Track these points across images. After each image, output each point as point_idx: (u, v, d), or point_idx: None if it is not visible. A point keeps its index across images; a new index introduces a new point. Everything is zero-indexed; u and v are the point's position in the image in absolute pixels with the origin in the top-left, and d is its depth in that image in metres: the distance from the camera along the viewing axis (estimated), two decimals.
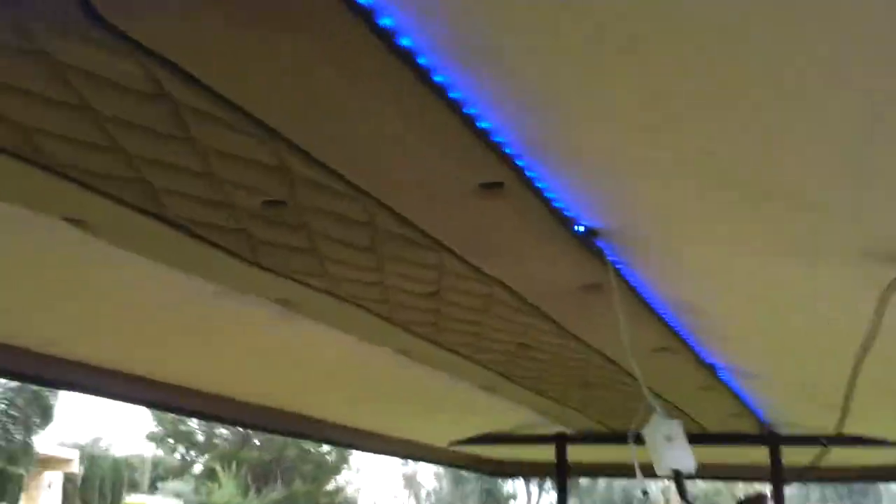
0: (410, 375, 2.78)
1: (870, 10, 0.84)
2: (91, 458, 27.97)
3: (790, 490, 4.05)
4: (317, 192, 1.34)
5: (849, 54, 0.92)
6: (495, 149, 1.21)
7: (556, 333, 2.19)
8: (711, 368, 2.61)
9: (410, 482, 37.58)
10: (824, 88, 1.00)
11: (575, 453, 4.32)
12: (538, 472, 5.25)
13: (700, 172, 1.29)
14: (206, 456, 32.26)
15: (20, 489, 22.46)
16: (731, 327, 2.18)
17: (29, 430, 22.88)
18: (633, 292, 1.86)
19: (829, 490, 31.79)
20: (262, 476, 30.24)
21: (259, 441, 31.36)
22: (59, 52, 0.99)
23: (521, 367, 2.63)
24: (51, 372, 2.50)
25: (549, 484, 30.56)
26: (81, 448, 27.78)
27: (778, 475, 3.81)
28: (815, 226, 1.41)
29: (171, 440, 32.77)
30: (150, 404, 3.03)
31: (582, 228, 1.55)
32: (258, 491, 29.51)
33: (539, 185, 1.35)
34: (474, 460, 5.03)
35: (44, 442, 24.07)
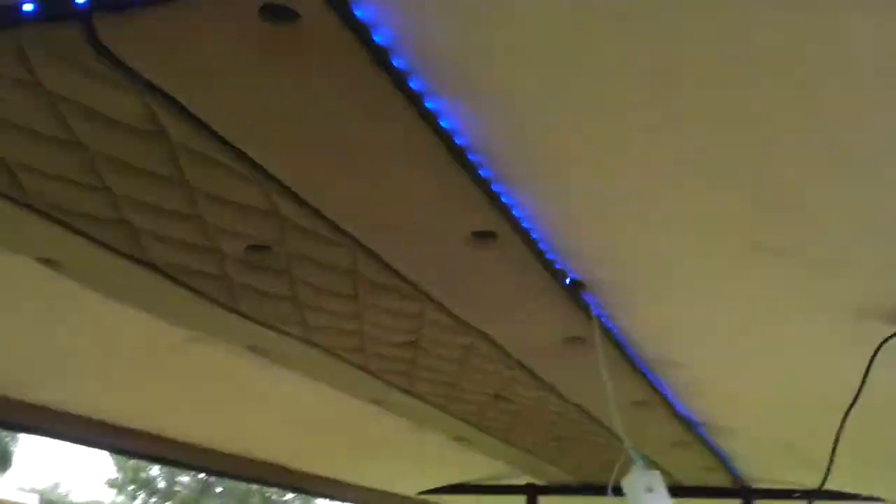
0: (382, 424, 2.74)
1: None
2: None
3: None
4: (304, 236, 1.32)
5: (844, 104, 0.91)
6: (492, 197, 1.19)
7: (533, 386, 2.16)
8: (688, 423, 2.59)
9: None
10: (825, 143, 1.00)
11: None
12: None
13: (695, 226, 1.28)
14: (168, 503, 31.78)
15: None
16: (712, 382, 2.16)
17: None
18: (615, 345, 1.84)
19: None
20: None
21: (221, 488, 30.96)
22: (56, 83, 0.96)
23: (494, 418, 2.59)
24: (14, 416, 2.43)
25: None
26: (40, 493, 27.33)
27: None
28: (808, 281, 1.40)
29: (131, 487, 32.25)
30: (115, 450, 2.96)
31: (569, 280, 1.53)
32: None
33: (532, 236, 1.33)
34: None
35: (2, 487, 23.66)
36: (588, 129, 1.06)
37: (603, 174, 1.17)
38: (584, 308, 1.62)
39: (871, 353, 1.52)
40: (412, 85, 0.98)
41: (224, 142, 1.05)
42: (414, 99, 1.00)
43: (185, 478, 31.35)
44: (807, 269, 1.37)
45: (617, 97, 0.98)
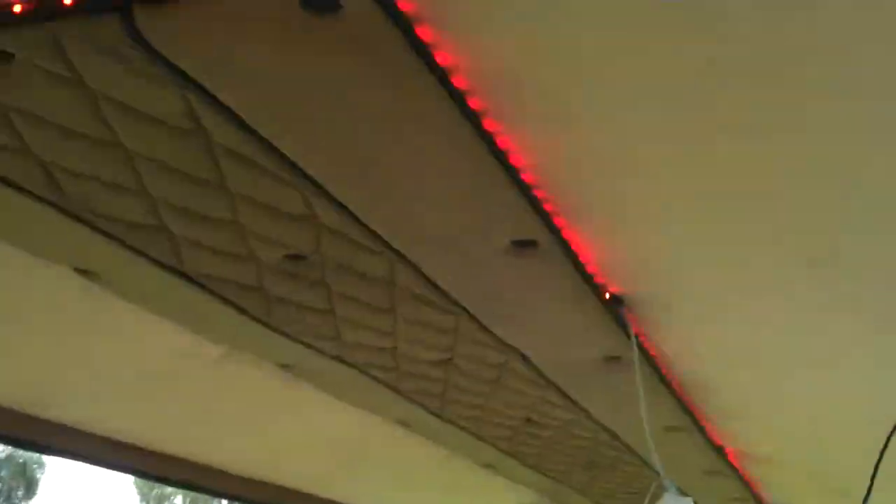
0: (408, 450, 2.71)
1: None
2: None
3: None
4: (341, 245, 1.30)
5: None
6: (534, 204, 1.17)
7: (566, 408, 2.13)
8: (720, 451, 2.54)
9: None
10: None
11: None
12: None
13: (744, 244, 1.25)
14: None
15: None
16: (749, 406, 2.12)
17: (12, 503, 22.54)
18: (652, 366, 1.81)
19: None
20: None
21: None
22: (95, 77, 0.94)
23: (524, 443, 2.56)
24: (39, 436, 2.41)
25: None
26: None
27: None
28: (861, 296, 1.37)
29: None
30: (137, 473, 2.93)
31: (608, 295, 1.50)
32: None
33: (573, 245, 1.31)
34: None
35: None
36: (633, 137, 1.05)
37: (649, 184, 1.15)
38: (623, 326, 1.59)
39: None
40: (455, 84, 0.97)
41: (263, 140, 1.04)
42: (457, 99, 0.98)
43: None
44: (860, 286, 1.34)
45: (664, 105, 0.97)
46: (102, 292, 1.50)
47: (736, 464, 2.73)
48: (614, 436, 2.37)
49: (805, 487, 3.06)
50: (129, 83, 0.95)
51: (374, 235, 1.26)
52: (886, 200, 1.12)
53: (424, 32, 0.90)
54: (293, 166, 1.08)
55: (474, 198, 1.17)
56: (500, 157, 1.07)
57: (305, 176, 1.11)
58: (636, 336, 1.62)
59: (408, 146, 1.06)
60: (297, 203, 1.18)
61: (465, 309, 1.53)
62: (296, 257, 1.35)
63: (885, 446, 1.76)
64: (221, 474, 3.04)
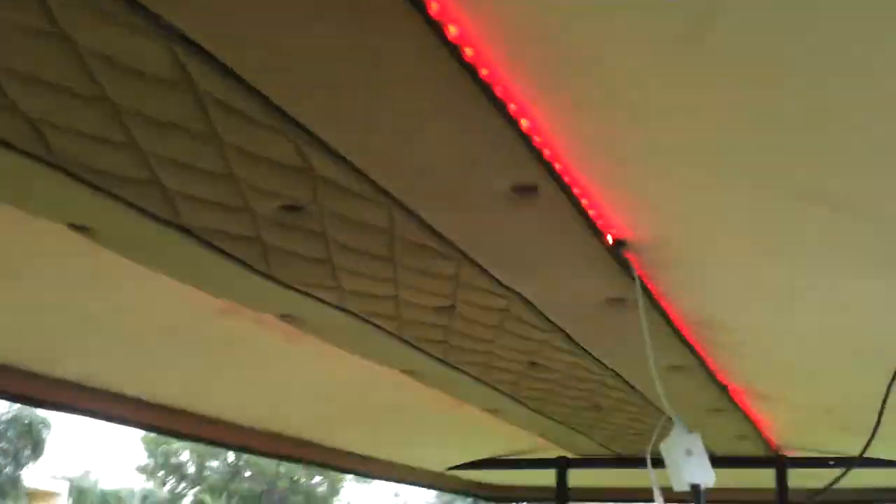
0: (413, 398, 2.71)
1: None
2: (80, 492, 27.78)
3: None
4: (338, 194, 1.28)
5: None
6: (534, 149, 1.15)
7: (570, 351, 2.12)
8: (724, 389, 2.55)
9: None
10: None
11: (575, 478, 4.25)
12: (537, 498, 5.15)
13: (745, 178, 1.24)
14: (197, 488, 32.02)
15: None
16: (754, 345, 2.12)
17: (19, 463, 22.74)
18: (656, 307, 1.80)
19: None
20: None
21: (250, 472, 31.16)
22: (78, 30, 0.92)
23: (528, 387, 2.56)
24: (46, 392, 2.42)
25: None
26: (70, 481, 27.60)
27: (784, 498, 3.74)
28: (863, 235, 1.36)
29: (160, 472, 32.49)
30: (143, 426, 2.95)
31: (610, 239, 1.49)
32: None
33: (574, 190, 1.29)
34: (472, 486, 4.95)
35: (33, 475, 23.91)
36: (633, 78, 1.02)
37: (648, 124, 1.13)
38: (626, 268, 1.58)
39: None
40: (452, 30, 0.95)
41: (251, 89, 1.01)
42: (454, 47, 0.96)
43: (214, 462, 31.61)
44: (862, 222, 1.32)
45: (664, 48, 0.94)
46: (101, 248, 1.48)
47: (740, 402, 2.74)
48: (618, 377, 2.37)
49: (811, 424, 3.08)
50: (113, 36, 0.92)
51: (371, 183, 1.24)
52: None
53: None
54: (285, 116, 1.06)
55: (473, 143, 1.15)
56: (497, 103, 1.05)
57: (298, 125, 1.09)
58: (639, 277, 1.62)
59: (403, 92, 1.04)
60: (291, 153, 1.16)
61: (465, 255, 1.51)
62: (293, 208, 1.33)
63: (892, 382, 1.76)
64: (226, 425, 3.07)
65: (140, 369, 2.41)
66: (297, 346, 2.10)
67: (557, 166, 1.23)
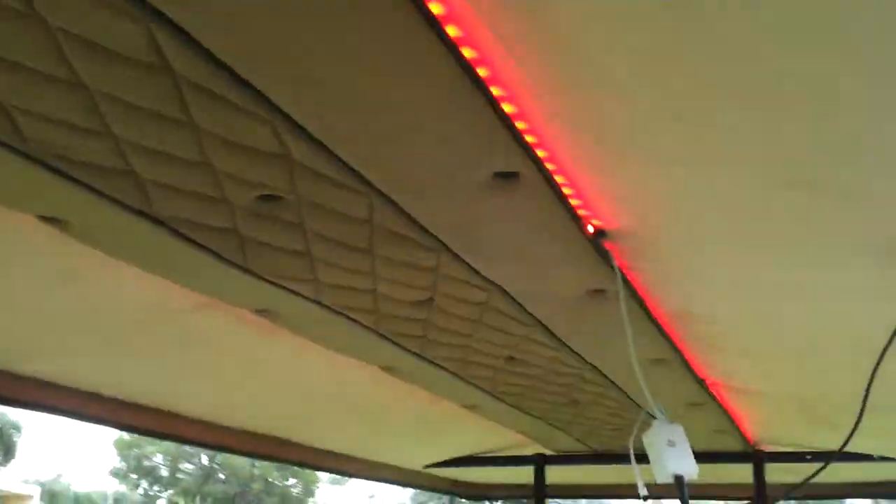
0: (391, 395, 2.69)
1: None
2: (52, 495, 27.60)
3: None
4: (316, 183, 1.26)
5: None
6: (516, 135, 1.13)
7: (548, 345, 2.11)
8: (702, 383, 2.54)
9: None
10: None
11: (553, 475, 4.24)
12: (515, 495, 5.14)
13: (725, 166, 1.22)
14: (170, 491, 31.88)
15: None
16: (732, 336, 2.11)
17: None
18: (635, 299, 1.79)
19: None
20: None
21: (223, 475, 31.05)
22: (49, 9, 0.89)
23: (506, 382, 2.54)
24: (17, 391, 2.38)
25: None
26: (43, 485, 27.43)
27: (761, 493, 3.75)
28: (844, 218, 1.35)
29: (133, 475, 32.32)
30: (116, 425, 2.90)
31: (591, 229, 1.47)
32: None
33: (556, 178, 1.27)
34: (450, 483, 4.94)
35: (5, 479, 23.73)
36: (617, 64, 1.01)
37: (634, 106, 1.12)
38: (607, 258, 1.57)
39: None
40: (433, 9, 0.93)
41: (231, 72, 0.99)
42: (434, 25, 0.94)
43: (187, 465, 31.46)
44: (846, 211, 1.31)
45: (642, 21, 0.93)
46: (71, 241, 1.45)
47: (718, 396, 2.73)
48: (597, 371, 2.36)
49: (789, 419, 3.07)
50: (87, 14, 0.90)
51: (350, 170, 1.22)
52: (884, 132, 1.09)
53: None
54: (263, 99, 1.04)
55: (454, 129, 1.13)
56: (480, 86, 1.03)
57: (277, 109, 1.06)
58: (619, 269, 1.60)
59: (383, 76, 1.02)
60: (270, 140, 1.14)
61: (445, 245, 1.49)
62: (270, 197, 1.31)
63: (873, 376, 1.75)
64: (202, 424, 3.03)
65: (113, 367, 2.37)
66: (274, 342, 2.08)
67: (540, 153, 1.21)
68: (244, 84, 1.01)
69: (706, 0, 0.86)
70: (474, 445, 4.06)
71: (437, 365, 2.29)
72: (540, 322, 1.93)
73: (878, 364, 1.71)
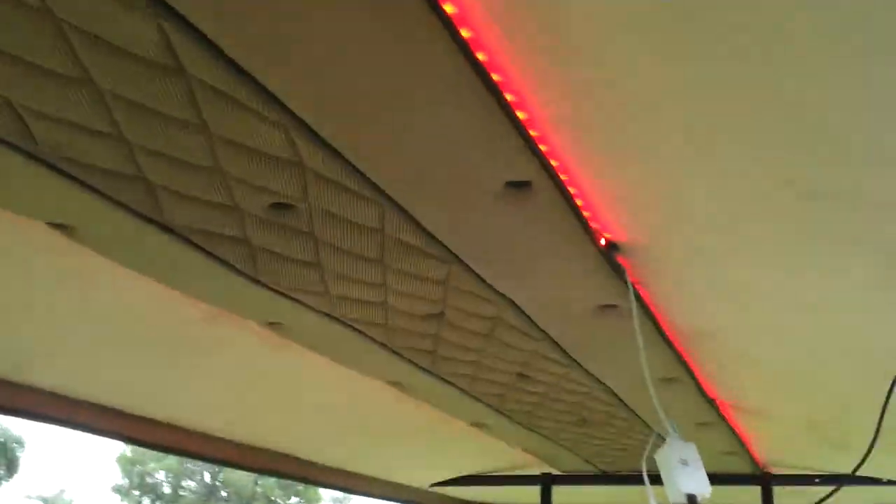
0: (398, 412, 2.67)
1: None
2: None
3: None
4: (329, 191, 1.24)
5: None
6: (530, 142, 1.12)
7: (559, 361, 2.09)
8: (712, 403, 2.52)
9: None
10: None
11: (560, 495, 4.21)
12: None
13: (748, 189, 1.21)
14: None
15: None
16: (744, 354, 2.09)
17: None
18: (648, 316, 1.77)
19: None
20: None
21: (226, 493, 30.99)
22: (62, 6, 0.88)
23: (515, 400, 2.52)
24: (13, 400, 2.36)
25: None
26: (45, 500, 27.42)
27: None
28: (864, 235, 1.32)
29: (136, 492, 32.27)
30: (122, 438, 2.88)
31: (604, 242, 1.46)
32: None
33: (569, 188, 1.26)
34: (455, 503, 4.90)
35: (7, 495, 23.73)
36: (634, 74, 1.00)
37: (647, 115, 1.10)
38: (619, 273, 1.55)
39: None
40: (447, 10, 0.91)
41: (246, 75, 0.98)
42: (449, 26, 0.92)
43: (190, 482, 31.42)
44: (864, 226, 1.30)
45: (656, 27, 0.91)
46: (78, 250, 1.44)
47: (728, 417, 2.71)
48: (607, 389, 2.34)
49: (802, 441, 3.04)
50: (100, 9, 0.88)
51: (362, 177, 1.20)
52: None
53: None
54: (277, 103, 1.02)
55: (468, 137, 1.12)
56: (494, 93, 1.02)
57: (292, 115, 1.05)
58: (632, 284, 1.58)
59: (398, 84, 1.01)
60: (283, 146, 1.12)
61: (455, 255, 1.48)
62: (282, 206, 1.30)
63: (888, 397, 1.73)
64: (206, 438, 3.01)
65: (117, 378, 2.35)
66: (281, 356, 2.06)
67: (553, 162, 1.19)
68: (259, 87, 1.00)
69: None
70: (481, 464, 4.03)
71: (447, 381, 2.27)
72: (550, 337, 1.91)
73: (893, 384, 1.68)
